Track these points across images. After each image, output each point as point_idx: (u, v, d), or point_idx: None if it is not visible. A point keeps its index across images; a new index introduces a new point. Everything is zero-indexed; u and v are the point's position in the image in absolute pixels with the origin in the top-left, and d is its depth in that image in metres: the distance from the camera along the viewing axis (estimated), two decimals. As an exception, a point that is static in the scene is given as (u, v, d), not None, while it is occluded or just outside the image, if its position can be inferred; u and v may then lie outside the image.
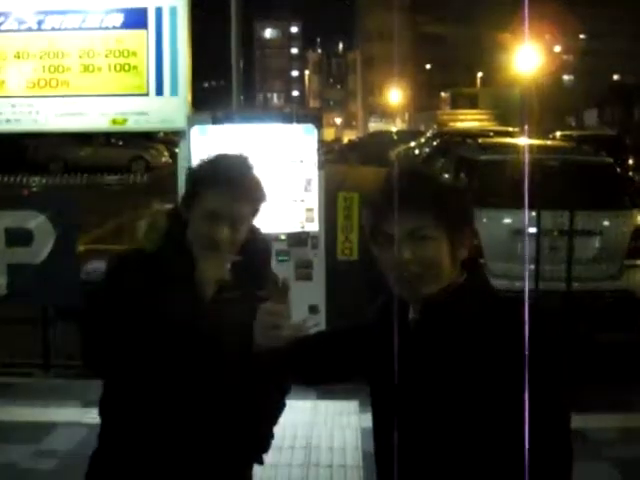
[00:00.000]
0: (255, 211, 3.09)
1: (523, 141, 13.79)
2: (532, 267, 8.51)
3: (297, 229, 8.06)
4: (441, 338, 2.39)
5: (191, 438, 2.95)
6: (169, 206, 3.16)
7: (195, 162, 3.18)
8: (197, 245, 2.93)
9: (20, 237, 8.31)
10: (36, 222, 8.36)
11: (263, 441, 3.24)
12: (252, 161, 3.12)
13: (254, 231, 3.15)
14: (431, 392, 2.39)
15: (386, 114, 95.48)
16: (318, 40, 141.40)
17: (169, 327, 2.81)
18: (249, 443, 3.14)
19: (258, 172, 3.09)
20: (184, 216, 2.98)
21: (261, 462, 3.26)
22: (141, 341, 2.82)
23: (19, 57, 8.34)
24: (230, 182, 2.96)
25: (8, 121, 8.42)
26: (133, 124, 8.43)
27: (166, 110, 8.32)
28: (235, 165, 3.06)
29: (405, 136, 42.44)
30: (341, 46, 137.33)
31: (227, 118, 8.19)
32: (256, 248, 3.16)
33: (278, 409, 3.29)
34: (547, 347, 2.35)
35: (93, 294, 3.04)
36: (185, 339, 2.82)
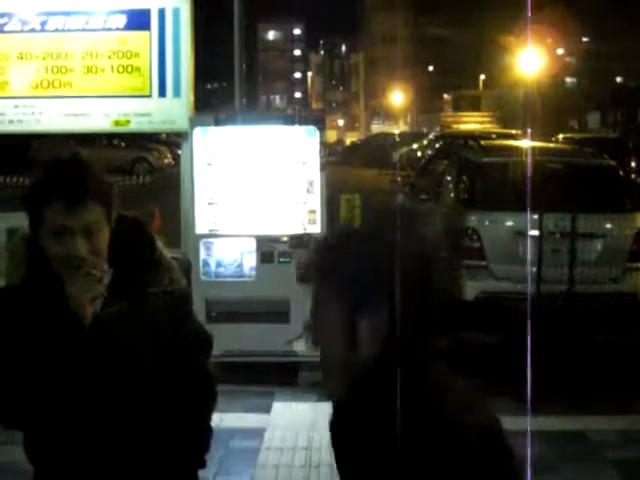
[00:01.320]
0: (109, 209, 2.68)
1: (525, 143, 13.79)
2: (534, 269, 8.51)
3: (299, 231, 8.06)
4: None
5: (120, 453, 2.77)
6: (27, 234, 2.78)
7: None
8: (58, 268, 2.62)
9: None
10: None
11: (200, 442, 3.05)
12: (83, 157, 2.69)
13: (120, 222, 2.75)
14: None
15: (389, 116, 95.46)
16: (321, 42, 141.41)
17: (52, 365, 2.63)
18: (184, 447, 2.94)
19: (93, 166, 2.69)
20: (37, 242, 2.67)
21: (203, 465, 3.06)
22: (29, 386, 2.66)
23: (22, 58, 8.35)
24: (66, 190, 2.58)
25: (11, 122, 8.42)
26: (135, 125, 8.43)
27: (169, 111, 8.33)
28: (66, 169, 2.65)
29: (407, 138, 42.45)
30: (344, 48, 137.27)
31: (229, 120, 8.20)
32: (129, 242, 2.79)
33: (208, 404, 3.07)
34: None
35: None
36: (73, 371, 2.65)
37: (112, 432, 2.73)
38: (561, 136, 29.79)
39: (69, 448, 2.75)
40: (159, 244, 2.89)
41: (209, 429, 3.06)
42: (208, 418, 3.05)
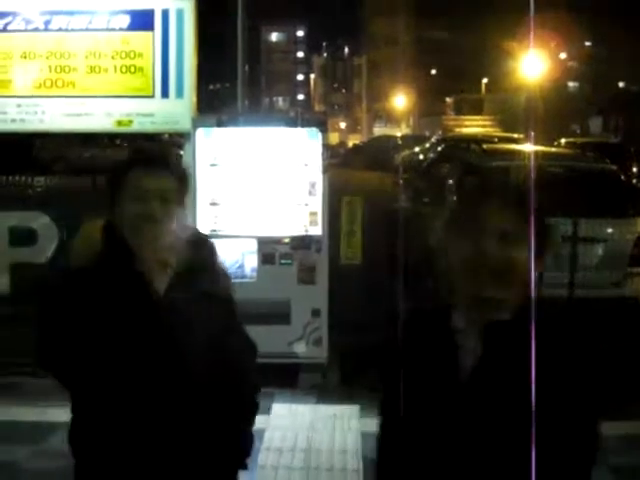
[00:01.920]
0: (182, 190, 3.04)
1: (528, 147, 13.79)
2: (536, 274, 8.49)
3: (301, 233, 8.07)
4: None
5: (166, 448, 2.88)
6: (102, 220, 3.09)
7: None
8: (131, 230, 2.89)
9: (24, 237, 8.33)
10: (40, 222, 8.37)
11: (242, 445, 3.18)
12: (170, 150, 3.17)
13: (194, 233, 3.15)
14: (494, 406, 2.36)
15: (391, 119, 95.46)
16: (324, 44, 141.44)
17: (123, 333, 2.80)
18: (227, 448, 3.07)
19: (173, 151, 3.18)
20: (113, 218, 2.98)
21: (245, 467, 3.19)
22: (98, 353, 2.81)
23: (25, 57, 8.35)
24: (148, 159, 3.02)
25: (13, 121, 8.43)
26: (138, 126, 8.43)
27: (171, 112, 8.33)
28: (153, 148, 3.20)
29: (410, 141, 42.40)
30: (347, 50, 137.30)
31: (232, 121, 8.20)
32: (199, 248, 3.12)
33: (250, 409, 3.23)
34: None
35: (48, 298, 3.08)
36: (142, 341, 2.81)
37: (162, 416, 2.86)
38: (563, 140, 29.79)
39: (119, 424, 2.87)
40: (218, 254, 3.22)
41: (251, 434, 3.20)
42: (250, 423, 3.20)
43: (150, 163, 2.99)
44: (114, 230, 2.92)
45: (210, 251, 3.22)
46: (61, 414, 7.11)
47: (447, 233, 2.63)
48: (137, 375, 2.83)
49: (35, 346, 3.03)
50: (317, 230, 8.06)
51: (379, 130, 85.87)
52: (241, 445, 3.16)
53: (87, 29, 8.33)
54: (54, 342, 2.93)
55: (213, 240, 3.30)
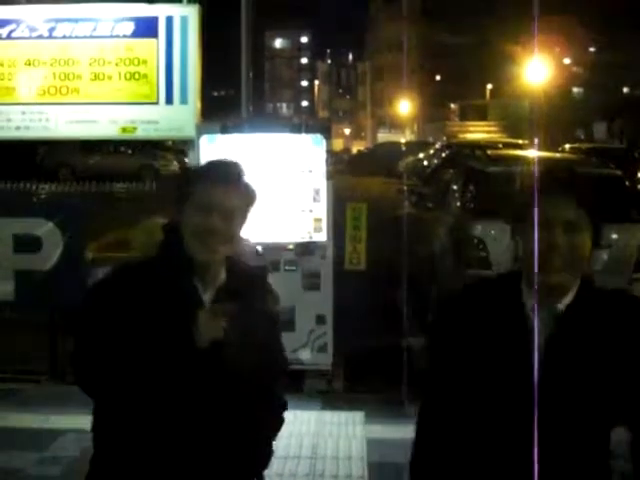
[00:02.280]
0: (246, 209, 3.11)
1: (532, 153, 13.78)
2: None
3: (305, 239, 8.06)
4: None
5: (189, 455, 2.92)
6: (165, 220, 3.19)
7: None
8: (190, 236, 2.97)
9: (28, 244, 8.33)
10: (44, 229, 8.38)
11: (263, 457, 3.25)
12: (243, 167, 3.16)
13: (250, 251, 3.19)
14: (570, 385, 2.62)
15: (395, 125, 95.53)
16: (328, 51, 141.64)
17: (164, 336, 2.83)
18: (248, 460, 3.12)
19: (250, 178, 3.16)
20: (177, 218, 3.03)
21: (261, 478, 3.27)
22: (135, 355, 2.83)
23: (30, 64, 8.37)
24: (221, 176, 3.05)
25: (18, 128, 8.45)
26: (142, 132, 8.45)
27: (175, 119, 8.34)
28: (227, 164, 3.13)
29: (414, 147, 42.42)
30: (351, 57, 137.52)
31: (236, 127, 8.20)
32: (252, 267, 3.25)
33: (277, 425, 3.32)
34: None
35: (87, 305, 3.06)
36: (183, 347, 2.84)
37: (195, 421, 2.90)
38: (568, 146, 29.79)
39: (145, 426, 2.90)
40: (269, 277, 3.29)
41: (270, 448, 3.28)
42: (274, 436, 3.29)
43: (222, 181, 3.04)
44: (176, 233, 3.00)
45: (262, 270, 3.32)
46: (63, 421, 7.14)
47: (519, 227, 2.84)
48: (176, 380, 2.86)
49: (74, 348, 3.00)
50: (321, 236, 8.06)
51: (383, 136, 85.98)
52: (262, 458, 3.25)
53: (91, 36, 8.34)
54: (94, 341, 2.94)
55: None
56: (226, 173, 3.07)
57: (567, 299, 2.68)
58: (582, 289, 2.72)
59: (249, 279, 3.12)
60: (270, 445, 3.27)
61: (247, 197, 3.11)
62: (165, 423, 2.88)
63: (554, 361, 2.58)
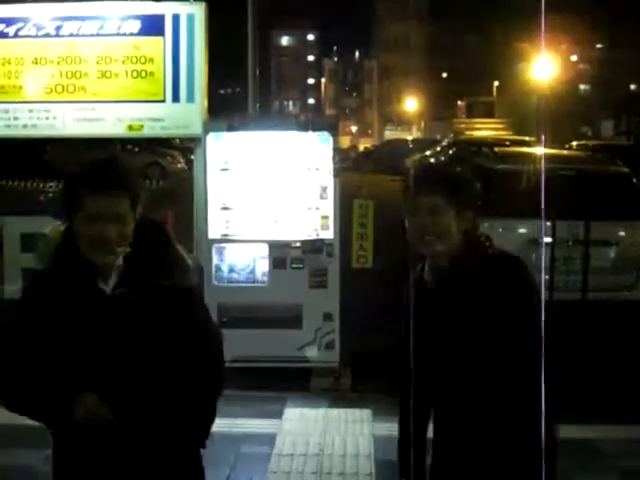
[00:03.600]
0: (136, 205, 3.10)
1: (539, 150, 13.76)
2: (547, 277, 8.48)
3: (312, 237, 8.06)
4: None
5: (124, 430, 3.04)
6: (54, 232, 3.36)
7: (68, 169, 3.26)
8: (85, 244, 3.03)
9: (36, 242, 8.34)
10: (50, 229, 8.38)
11: (201, 423, 3.27)
12: (123, 158, 3.22)
13: (142, 221, 3.17)
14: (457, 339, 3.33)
15: (402, 122, 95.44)
16: (334, 48, 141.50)
17: (74, 331, 3.01)
18: (187, 427, 3.19)
19: (130, 167, 3.18)
20: (70, 227, 3.11)
21: (204, 445, 3.30)
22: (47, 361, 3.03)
23: (37, 63, 8.37)
24: (103, 182, 3.02)
25: (25, 126, 8.45)
26: (149, 130, 8.44)
27: (182, 117, 8.34)
28: (107, 166, 3.10)
29: (421, 145, 42.36)
30: (357, 54, 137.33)
31: (243, 125, 8.21)
32: (146, 236, 3.18)
33: (210, 395, 3.31)
34: (529, 288, 3.48)
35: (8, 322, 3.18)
36: (92, 336, 3.00)
37: (121, 401, 3.02)
38: (575, 143, 29.76)
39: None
40: (179, 247, 3.28)
41: (212, 415, 3.29)
42: (212, 405, 3.29)
43: (108, 186, 3.02)
44: (71, 239, 3.08)
45: (160, 238, 3.27)
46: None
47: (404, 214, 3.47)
48: (90, 369, 3.02)
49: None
50: (328, 234, 8.06)
51: (390, 134, 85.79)
52: (200, 423, 3.27)
53: (98, 34, 8.34)
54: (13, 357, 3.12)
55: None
56: (107, 178, 3.03)
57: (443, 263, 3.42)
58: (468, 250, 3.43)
59: (148, 252, 3.15)
60: (208, 410, 3.28)
61: (134, 191, 3.09)
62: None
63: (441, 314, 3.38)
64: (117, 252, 3.03)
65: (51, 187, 9.02)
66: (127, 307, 3.03)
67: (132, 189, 3.07)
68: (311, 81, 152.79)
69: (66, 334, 3.01)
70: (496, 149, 14.69)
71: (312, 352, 8.14)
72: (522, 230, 9.42)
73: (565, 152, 16.17)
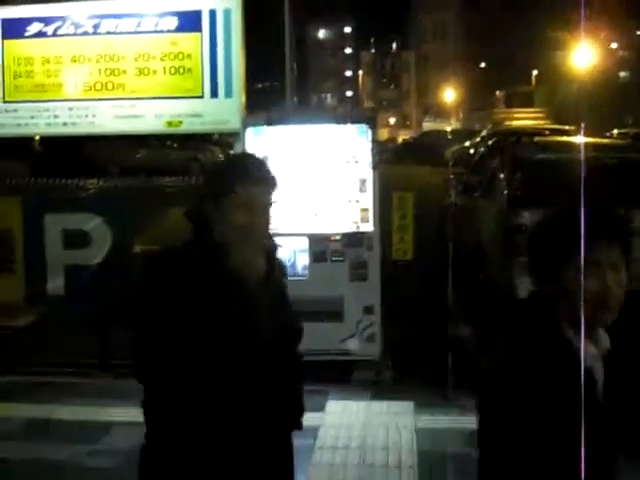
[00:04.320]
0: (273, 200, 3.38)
1: (579, 139, 13.65)
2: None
3: (352, 229, 8.06)
4: None
5: (234, 413, 3.14)
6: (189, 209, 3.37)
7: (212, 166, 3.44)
8: (235, 236, 3.16)
9: (77, 239, 8.42)
10: (93, 224, 8.46)
11: (298, 403, 3.54)
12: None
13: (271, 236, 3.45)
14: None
15: (440, 113, 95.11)
16: (371, 40, 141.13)
17: (219, 316, 3.08)
18: (286, 408, 3.40)
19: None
20: (210, 214, 3.22)
21: (300, 427, 3.53)
22: (194, 338, 3.05)
23: (76, 61, 8.44)
24: (261, 176, 3.28)
25: (65, 124, 8.52)
26: (188, 126, 8.48)
27: (220, 112, 8.36)
28: (260, 161, 3.41)
29: (460, 135, 42.19)
30: (394, 46, 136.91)
31: (281, 119, 8.21)
32: (274, 249, 3.46)
33: (302, 373, 3.62)
34: None
35: (141, 298, 3.24)
36: (235, 325, 3.09)
37: (239, 384, 3.14)
38: (615, 131, 29.49)
39: (194, 393, 3.10)
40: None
41: (301, 398, 3.57)
42: (301, 388, 3.58)
43: (262, 181, 3.28)
44: (206, 223, 3.22)
45: (276, 248, 3.50)
46: (113, 414, 7.22)
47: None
48: (223, 352, 3.09)
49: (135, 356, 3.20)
50: (368, 227, 8.05)
51: (428, 125, 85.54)
52: (298, 404, 3.53)
53: (135, 32, 8.39)
54: (154, 332, 3.13)
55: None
56: (264, 172, 3.31)
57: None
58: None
59: (274, 261, 3.40)
60: (300, 393, 3.56)
61: (275, 191, 3.36)
62: (217, 390, 3.11)
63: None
64: (262, 241, 3.26)
65: (92, 184, 9.06)
66: (264, 297, 3.21)
67: (275, 184, 3.37)
68: (348, 73, 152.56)
69: (213, 323, 3.08)
70: (535, 139, 14.60)
71: (353, 345, 8.14)
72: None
73: (605, 140, 16.02)
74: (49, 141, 18.54)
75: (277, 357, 3.27)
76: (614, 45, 57.41)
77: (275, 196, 3.37)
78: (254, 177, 3.26)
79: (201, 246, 3.20)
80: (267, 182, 3.31)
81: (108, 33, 8.40)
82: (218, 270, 3.13)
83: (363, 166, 8.04)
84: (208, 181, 3.43)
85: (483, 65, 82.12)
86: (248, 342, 3.14)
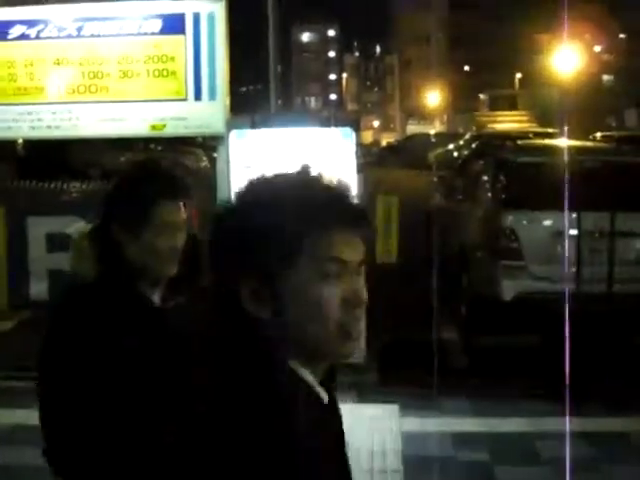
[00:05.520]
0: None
1: (563, 142, 13.68)
2: (573, 269, 8.43)
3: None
4: None
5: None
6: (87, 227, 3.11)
7: (121, 178, 3.13)
8: (156, 259, 2.88)
9: (61, 243, 8.38)
10: (77, 227, 8.42)
11: None
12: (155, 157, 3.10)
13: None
14: None
15: (424, 116, 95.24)
16: (355, 43, 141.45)
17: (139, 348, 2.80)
18: None
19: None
20: (119, 236, 2.90)
21: None
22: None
23: (59, 63, 8.40)
24: (175, 189, 2.94)
25: (49, 127, 8.48)
26: (172, 129, 8.46)
27: (204, 115, 8.34)
28: (168, 171, 3.08)
29: (443, 138, 42.18)
30: (378, 49, 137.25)
31: (265, 122, 8.20)
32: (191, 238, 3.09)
33: None
34: None
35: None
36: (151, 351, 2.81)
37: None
38: (599, 134, 29.57)
39: None
40: None
41: None
42: None
43: (178, 194, 2.95)
44: (111, 246, 2.91)
45: (196, 245, 3.13)
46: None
47: None
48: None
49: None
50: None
51: (412, 128, 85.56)
52: None
53: (119, 34, 8.36)
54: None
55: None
56: (179, 185, 2.98)
57: None
58: None
59: (196, 264, 3.00)
60: None
61: (191, 201, 3.07)
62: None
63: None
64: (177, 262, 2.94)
65: (75, 187, 9.03)
66: (180, 317, 2.88)
67: (190, 196, 3.04)
68: (332, 77, 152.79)
69: (121, 353, 2.79)
70: (519, 142, 14.62)
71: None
72: (547, 222, 9.37)
73: (589, 143, 16.08)
74: (32, 144, 18.43)
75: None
76: (597, 48, 57.65)
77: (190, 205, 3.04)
78: (169, 192, 2.92)
79: (109, 276, 2.92)
80: (185, 196, 2.98)
81: (91, 36, 8.37)
82: (127, 296, 2.87)
83: (347, 169, 8.03)
84: (118, 201, 3.04)
85: (467, 68, 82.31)
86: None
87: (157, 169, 3.06)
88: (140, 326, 2.83)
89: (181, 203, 2.93)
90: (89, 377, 2.79)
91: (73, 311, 2.90)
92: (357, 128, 8.14)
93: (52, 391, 2.91)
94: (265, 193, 1.86)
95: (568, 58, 45.05)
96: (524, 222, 9.33)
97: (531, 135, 28.41)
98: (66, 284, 3.23)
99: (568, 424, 5.45)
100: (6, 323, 9.65)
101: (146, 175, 3.01)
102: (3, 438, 6.97)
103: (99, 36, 8.37)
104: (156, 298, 2.94)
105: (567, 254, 8.79)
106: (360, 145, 8.24)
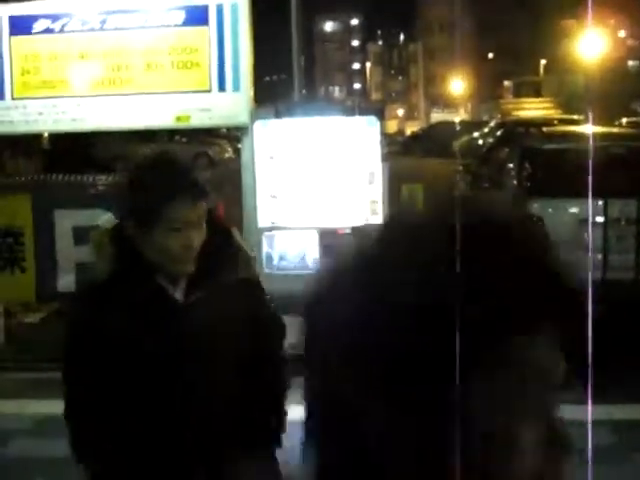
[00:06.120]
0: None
1: (588, 129, 13.61)
2: (600, 257, 8.40)
3: (361, 222, 8.05)
4: None
5: (195, 433, 2.92)
6: (110, 224, 3.12)
7: (133, 173, 3.07)
8: (168, 258, 2.84)
9: (87, 236, 8.42)
10: (104, 220, 8.46)
11: (274, 424, 3.20)
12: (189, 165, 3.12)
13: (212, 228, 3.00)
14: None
15: (448, 105, 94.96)
16: (379, 32, 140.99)
17: (148, 343, 2.85)
18: (260, 428, 3.13)
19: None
20: (133, 232, 2.87)
21: (279, 444, 3.19)
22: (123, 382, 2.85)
23: (83, 57, 8.44)
24: (188, 187, 2.84)
25: (74, 120, 8.52)
26: (197, 121, 8.47)
27: (229, 106, 8.35)
28: (182, 167, 2.95)
29: (468, 126, 41.99)
30: (402, 37, 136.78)
31: (289, 112, 8.21)
32: (214, 233, 3.00)
33: (279, 385, 3.25)
34: None
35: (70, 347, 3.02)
36: (166, 345, 2.85)
37: (193, 406, 2.91)
38: (625, 120, 29.41)
39: (140, 429, 2.91)
40: (237, 235, 3.26)
41: (282, 410, 3.20)
42: (280, 400, 3.21)
43: (191, 190, 2.84)
44: (128, 243, 2.89)
45: (226, 240, 3.14)
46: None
47: None
48: (162, 377, 2.88)
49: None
50: (378, 219, 8.04)
51: (437, 116, 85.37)
52: (272, 421, 3.19)
53: (143, 27, 8.38)
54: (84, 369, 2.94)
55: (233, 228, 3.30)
56: (188, 182, 2.86)
57: None
58: None
59: (216, 255, 2.99)
60: (277, 405, 3.21)
61: (207, 198, 2.95)
62: (156, 419, 2.90)
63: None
64: (194, 258, 2.88)
65: (101, 180, 9.08)
66: (203, 313, 2.88)
67: (206, 191, 2.93)
68: (356, 66, 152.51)
69: (141, 350, 2.84)
70: (544, 129, 14.56)
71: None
72: (573, 210, 9.33)
73: (615, 130, 15.98)
74: (57, 137, 18.53)
75: (245, 376, 3.01)
76: (622, 34, 57.24)
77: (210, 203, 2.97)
78: (181, 192, 2.81)
79: (125, 273, 2.90)
80: (197, 196, 2.85)
81: (115, 29, 8.40)
82: (145, 295, 2.86)
83: (372, 158, 8.03)
84: (130, 196, 2.98)
85: (491, 56, 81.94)
86: (185, 363, 2.89)
87: (169, 164, 2.94)
88: (157, 318, 2.86)
89: (196, 200, 2.83)
90: (109, 367, 2.86)
91: (91, 303, 2.95)
92: (381, 117, 8.13)
93: (75, 381, 2.97)
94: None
95: (593, 44, 44.73)
96: (550, 210, 9.29)
97: (556, 122, 28.26)
98: (86, 277, 3.25)
99: (590, 412, 5.44)
100: (35, 315, 9.72)
101: (158, 172, 2.91)
102: (34, 429, 7.03)
103: (123, 29, 8.39)
104: (178, 295, 2.90)
105: (591, 241, 8.76)
106: (385, 134, 8.21)
